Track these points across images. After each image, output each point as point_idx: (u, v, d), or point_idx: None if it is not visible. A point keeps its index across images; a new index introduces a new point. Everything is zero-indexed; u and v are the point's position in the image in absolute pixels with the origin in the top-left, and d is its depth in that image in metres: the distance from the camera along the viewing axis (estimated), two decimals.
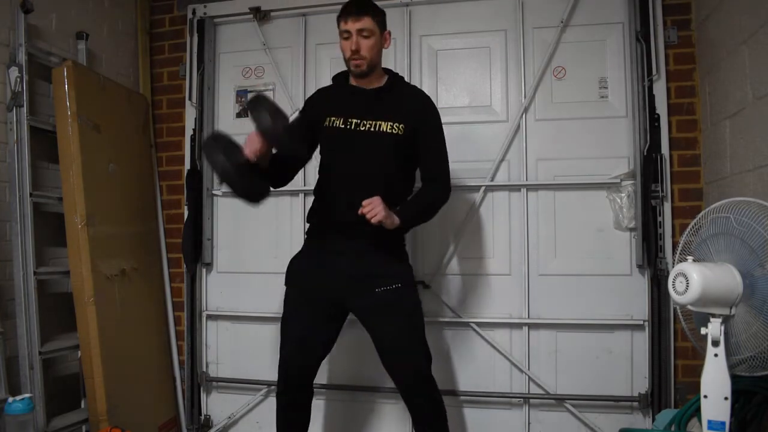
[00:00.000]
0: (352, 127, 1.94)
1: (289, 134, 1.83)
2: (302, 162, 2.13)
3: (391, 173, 1.95)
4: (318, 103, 2.06)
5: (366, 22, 1.88)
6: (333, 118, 1.97)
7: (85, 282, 2.30)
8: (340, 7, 2.68)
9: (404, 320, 1.94)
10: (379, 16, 1.93)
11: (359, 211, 1.77)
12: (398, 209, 1.87)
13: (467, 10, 2.64)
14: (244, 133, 2.79)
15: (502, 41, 2.61)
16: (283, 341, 2.00)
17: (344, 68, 1.99)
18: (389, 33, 1.99)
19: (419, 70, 2.68)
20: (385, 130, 1.92)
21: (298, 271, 2.02)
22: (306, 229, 2.12)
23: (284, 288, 2.04)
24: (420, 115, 1.96)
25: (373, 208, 1.77)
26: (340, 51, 1.95)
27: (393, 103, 1.95)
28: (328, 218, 1.99)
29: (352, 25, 1.87)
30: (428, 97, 2.03)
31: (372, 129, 1.92)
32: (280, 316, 2.08)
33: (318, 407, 2.69)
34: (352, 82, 1.99)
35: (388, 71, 2.03)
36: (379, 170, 1.93)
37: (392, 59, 2.70)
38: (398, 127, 1.92)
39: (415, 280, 2.08)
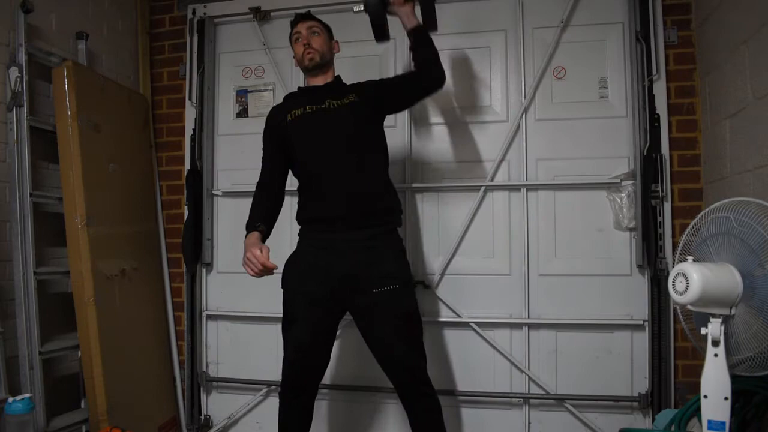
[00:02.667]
0: (314, 110, 2.02)
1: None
2: None
3: (363, 141, 1.99)
4: (275, 114, 2.11)
5: (315, 23, 2.11)
6: (294, 111, 2.04)
7: (85, 282, 2.30)
8: (340, 7, 2.75)
9: (401, 322, 1.93)
10: (326, 25, 2.15)
11: None
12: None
13: (467, 10, 2.64)
14: (244, 133, 2.85)
15: (502, 41, 2.61)
16: (286, 345, 2.00)
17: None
18: (337, 42, 2.19)
19: None
20: (344, 102, 2.01)
21: (294, 274, 2.01)
22: (298, 231, 2.10)
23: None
24: (368, 84, 2.10)
25: None
26: (294, 60, 2.16)
27: (345, 88, 2.09)
28: (318, 213, 1.99)
29: (302, 26, 2.08)
30: None
31: (332, 106, 2.01)
32: (280, 316, 2.08)
33: (320, 407, 2.69)
34: (306, 83, 2.16)
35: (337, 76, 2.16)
36: (352, 141, 1.97)
37: (392, 59, 2.70)
38: (353, 97, 2.03)
39: (413, 279, 2.07)
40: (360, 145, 1.98)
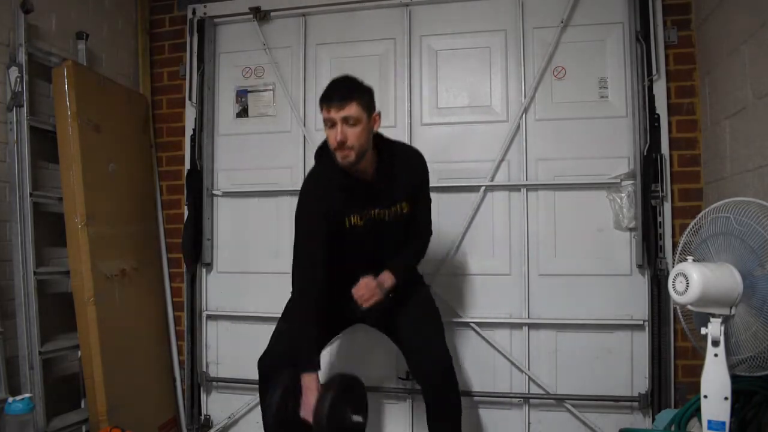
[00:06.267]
0: (373, 217, 1.88)
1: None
2: None
3: (402, 240, 1.97)
4: (327, 202, 1.85)
5: (351, 110, 1.70)
6: (352, 217, 1.86)
7: (85, 282, 2.30)
8: (340, 7, 2.75)
9: (424, 309, 2.00)
10: (366, 98, 1.76)
11: (355, 295, 1.80)
12: (391, 270, 1.89)
13: (467, 10, 2.64)
14: (244, 133, 2.85)
15: (502, 41, 2.61)
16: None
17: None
18: (379, 114, 1.82)
19: (419, 70, 2.68)
20: (397, 211, 1.90)
21: None
22: None
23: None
24: (417, 187, 1.94)
25: (368, 294, 1.81)
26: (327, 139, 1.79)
27: (394, 185, 1.87)
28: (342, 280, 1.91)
29: (336, 114, 1.70)
30: (419, 159, 1.96)
31: (387, 218, 1.89)
32: (281, 316, 2.08)
33: None
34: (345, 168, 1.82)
35: (375, 142, 1.86)
36: (394, 242, 1.94)
37: (392, 59, 2.70)
38: (406, 206, 1.91)
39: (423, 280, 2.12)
40: (400, 243, 1.96)
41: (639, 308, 2.42)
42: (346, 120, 1.71)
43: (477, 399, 2.56)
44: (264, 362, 2.00)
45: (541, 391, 2.50)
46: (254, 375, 2.71)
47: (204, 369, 2.84)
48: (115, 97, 2.64)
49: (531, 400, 2.52)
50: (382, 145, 1.88)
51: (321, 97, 1.76)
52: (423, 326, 1.96)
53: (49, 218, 2.36)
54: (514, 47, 2.58)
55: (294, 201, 2.74)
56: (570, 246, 2.51)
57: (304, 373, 1.77)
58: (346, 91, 1.73)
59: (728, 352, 1.50)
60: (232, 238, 2.86)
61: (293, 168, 2.78)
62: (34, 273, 2.20)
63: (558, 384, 2.50)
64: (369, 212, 1.86)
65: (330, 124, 1.74)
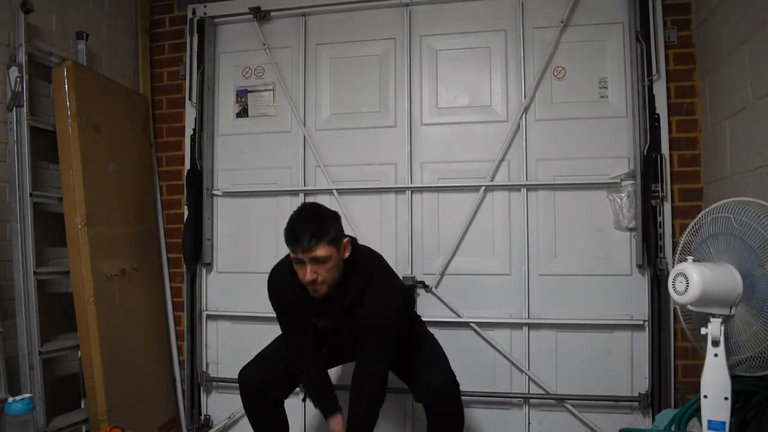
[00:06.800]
0: (331, 330, 1.90)
1: None
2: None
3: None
4: (295, 302, 1.86)
5: (318, 251, 1.68)
6: (314, 320, 1.89)
7: (85, 282, 2.30)
8: (340, 7, 2.75)
9: (423, 341, 2.02)
10: (332, 234, 1.72)
11: None
12: None
13: (467, 10, 2.64)
14: (244, 133, 2.85)
15: (502, 41, 2.61)
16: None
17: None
18: (348, 241, 1.80)
19: (419, 70, 2.68)
20: (353, 335, 1.87)
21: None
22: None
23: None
24: (372, 328, 1.83)
25: None
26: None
27: (358, 314, 1.82)
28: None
29: (303, 256, 1.69)
30: (388, 306, 1.83)
31: (347, 335, 1.89)
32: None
33: None
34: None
35: (348, 262, 1.80)
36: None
37: (392, 59, 2.70)
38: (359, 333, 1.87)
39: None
40: None
41: (639, 308, 2.42)
42: (314, 260, 1.69)
43: (477, 399, 2.56)
44: (244, 374, 2.02)
45: (541, 391, 2.50)
46: None
47: (204, 369, 2.84)
48: (115, 97, 2.64)
49: (531, 400, 2.52)
50: (353, 272, 1.81)
51: (285, 236, 1.73)
52: (424, 352, 1.98)
53: (49, 218, 2.36)
54: (514, 47, 2.58)
55: (293, 201, 2.78)
56: (570, 246, 2.51)
57: (329, 417, 1.90)
58: (310, 235, 1.68)
59: (728, 352, 1.50)
60: (232, 238, 2.86)
61: (293, 168, 2.78)
62: (34, 273, 2.20)
63: (558, 384, 2.50)
64: (330, 320, 1.88)
65: (298, 262, 1.72)
